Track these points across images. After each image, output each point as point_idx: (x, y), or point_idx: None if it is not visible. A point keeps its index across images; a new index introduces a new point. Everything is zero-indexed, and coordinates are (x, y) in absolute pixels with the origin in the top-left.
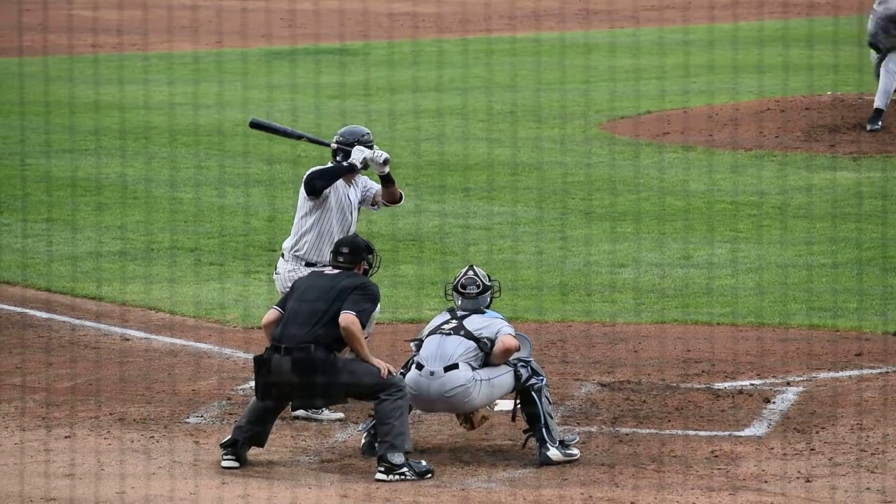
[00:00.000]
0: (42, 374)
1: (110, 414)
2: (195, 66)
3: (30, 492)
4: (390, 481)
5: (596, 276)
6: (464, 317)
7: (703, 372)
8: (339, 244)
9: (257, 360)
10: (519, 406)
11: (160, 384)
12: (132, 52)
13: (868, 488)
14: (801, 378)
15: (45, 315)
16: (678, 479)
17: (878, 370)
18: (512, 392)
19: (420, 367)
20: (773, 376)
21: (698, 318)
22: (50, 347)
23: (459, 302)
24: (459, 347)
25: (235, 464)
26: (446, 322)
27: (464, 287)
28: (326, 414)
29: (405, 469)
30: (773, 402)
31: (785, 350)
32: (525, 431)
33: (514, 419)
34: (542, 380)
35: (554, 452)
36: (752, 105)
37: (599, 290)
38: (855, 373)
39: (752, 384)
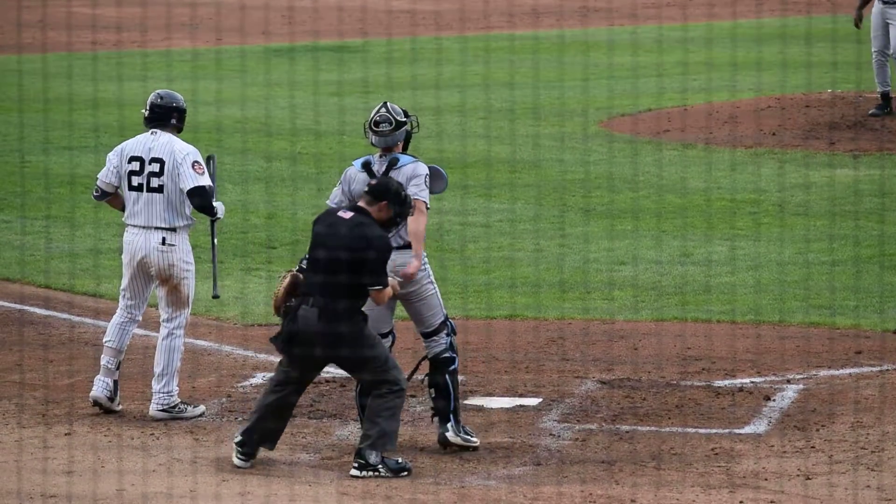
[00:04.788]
0: (41, 370)
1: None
2: (194, 63)
3: (28, 488)
4: (363, 477)
5: (595, 273)
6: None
7: (702, 369)
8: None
9: (285, 311)
10: (426, 377)
11: None
12: (131, 50)
13: (867, 486)
14: (801, 376)
15: (43, 312)
16: (677, 476)
17: (877, 368)
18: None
19: None
20: (773, 374)
21: (697, 316)
22: (49, 344)
23: (374, 139)
24: (401, 230)
25: (247, 464)
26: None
27: (376, 125)
28: (190, 410)
29: (380, 466)
30: (773, 400)
31: (784, 348)
32: (433, 409)
33: (409, 377)
34: (457, 360)
35: (452, 435)
36: (751, 103)
37: (598, 288)
38: (854, 370)
39: (751, 382)
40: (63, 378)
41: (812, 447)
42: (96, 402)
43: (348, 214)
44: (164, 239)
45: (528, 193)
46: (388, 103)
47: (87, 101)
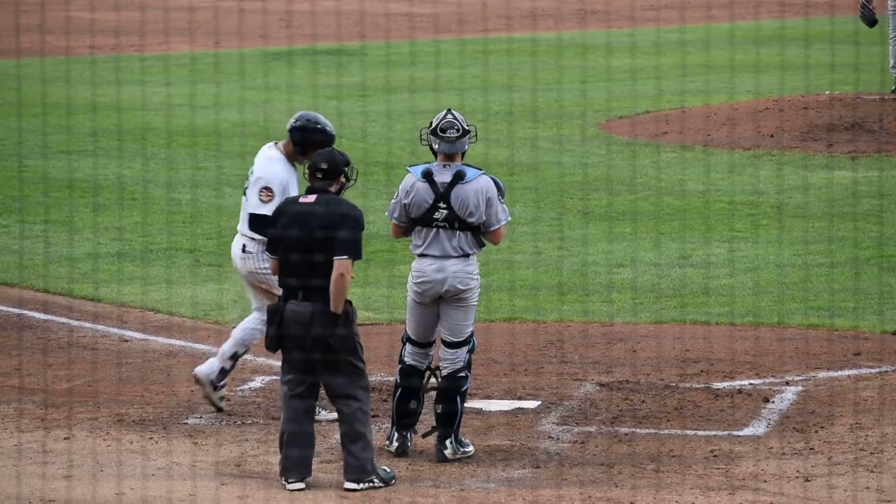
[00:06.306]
0: (40, 375)
1: (108, 415)
2: (192, 67)
3: (28, 493)
4: (361, 490)
5: (594, 276)
6: (448, 191)
7: (701, 372)
8: (317, 160)
9: (271, 310)
10: (435, 386)
11: (158, 385)
12: (129, 54)
13: (867, 487)
14: (800, 377)
15: (42, 316)
16: (677, 478)
17: (876, 369)
18: (436, 374)
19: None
20: (772, 376)
21: (696, 318)
22: (48, 349)
23: (440, 146)
24: (461, 241)
25: (302, 484)
26: (435, 207)
27: (443, 131)
28: (324, 415)
29: (373, 477)
30: (772, 402)
31: (783, 349)
32: (435, 427)
33: (425, 390)
34: (469, 379)
35: (451, 453)
36: (749, 105)
37: (597, 290)
38: (853, 372)
39: (750, 384)
40: (62, 382)
41: (811, 449)
42: (198, 381)
43: (312, 197)
44: (244, 246)
45: (527, 196)
46: (452, 110)
47: (85, 105)
